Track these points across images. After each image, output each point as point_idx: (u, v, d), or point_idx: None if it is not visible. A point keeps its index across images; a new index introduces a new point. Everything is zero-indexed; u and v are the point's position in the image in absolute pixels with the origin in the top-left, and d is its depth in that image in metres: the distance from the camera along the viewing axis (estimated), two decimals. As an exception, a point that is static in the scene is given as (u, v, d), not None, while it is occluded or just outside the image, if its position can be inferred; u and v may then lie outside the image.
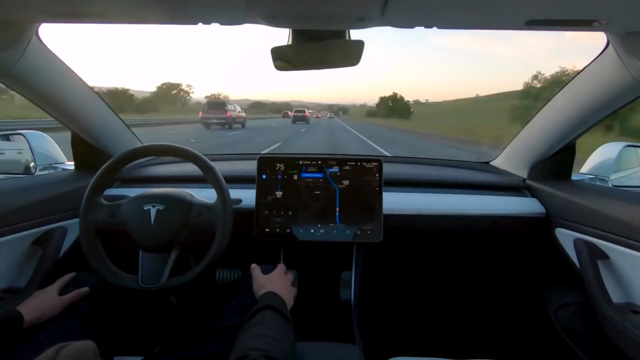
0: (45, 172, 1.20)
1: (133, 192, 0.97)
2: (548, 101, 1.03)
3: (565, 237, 0.98)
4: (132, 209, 0.84)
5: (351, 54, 0.76)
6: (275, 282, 0.76)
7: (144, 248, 0.83)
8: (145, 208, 0.83)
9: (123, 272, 0.82)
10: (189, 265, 0.85)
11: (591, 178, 1.20)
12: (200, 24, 0.65)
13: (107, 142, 1.12)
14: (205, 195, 0.90)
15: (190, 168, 0.91)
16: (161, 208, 0.83)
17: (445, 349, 0.76)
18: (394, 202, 1.05)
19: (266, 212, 0.99)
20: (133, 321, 0.92)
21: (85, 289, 0.78)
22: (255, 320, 0.62)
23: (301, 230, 0.99)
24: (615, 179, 1.20)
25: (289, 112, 31.44)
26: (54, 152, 1.28)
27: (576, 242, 0.93)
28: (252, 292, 0.77)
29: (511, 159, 1.25)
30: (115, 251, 0.85)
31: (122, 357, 0.74)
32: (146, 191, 0.88)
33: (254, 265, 0.83)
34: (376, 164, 0.99)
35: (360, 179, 0.99)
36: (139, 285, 0.80)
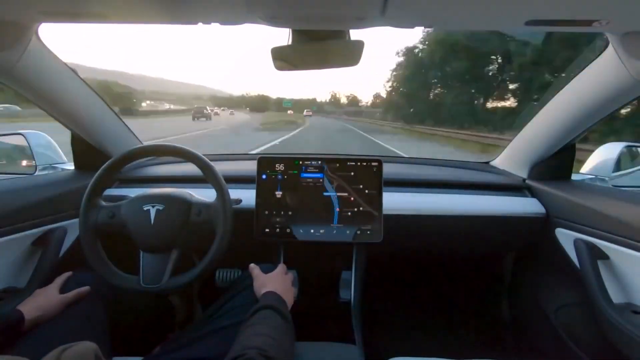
0: (45, 172, 1.20)
1: (133, 192, 0.97)
2: (548, 101, 1.03)
3: (565, 237, 0.98)
4: (131, 209, 0.84)
5: (351, 54, 0.76)
6: (276, 282, 0.76)
7: (144, 248, 0.83)
8: (145, 208, 0.82)
9: (124, 273, 0.82)
10: (191, 264, 0.85)
11: (591, 178, 1.20)
12: (200, 24, 0.65)
13: (107, 142, 1.12)
14: (206, 195, 0.90)
15: (190, 168, 0.91)
16: (160, 208, 0.83)
17: (445, 349, 0.76)
18: (394, 202, 1.05)
19: (266, 212, 0.99)
20: (133, 321, 0.92)
21: (86, 288, 0.78)
22: (255, 320, 0.62)
23: (301, 230, 0.99)
24: (615, 179, 1.21)
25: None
26: (54, 152, 1.28)
27: (576, 242, 0.93)
28: (252, 291, 0.76)
29: (511, 159, 1.25)
30: (115, 252, 0.85)
31: (122, 357, 0.74)
32: (145, 191, 0.88)
33: (252, 265, 0.83)
34: (376, 164, 0.99)
35: (360, 179, 0.99)
36: (140, 286, 0.80)
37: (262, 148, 9.30)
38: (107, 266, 0.82)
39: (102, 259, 0.82)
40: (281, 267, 0.83)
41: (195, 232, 0.85)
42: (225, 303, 0.79)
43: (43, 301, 0.73)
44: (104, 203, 0.86)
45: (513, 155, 1.24)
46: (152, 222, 0.82)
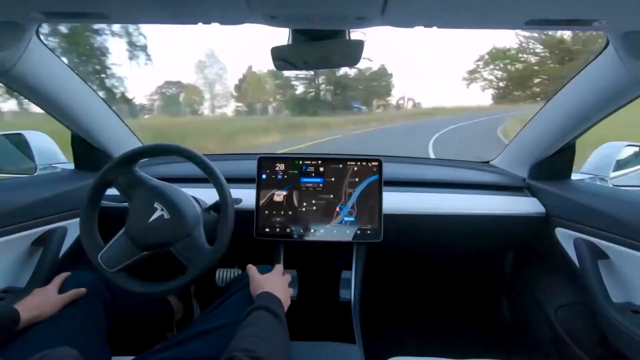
0: (45, 172, 1.20)
1: None
2: (548, 101, 1.03)
3: (565, 237, 0.98)
4: (144, 196, 0.82)
5: (351, 54, 0.77)
6: (272, 283, 0.76)
7: (126, 232, 0.81)
8: (155, 206, 0.81)
9: (101, 243, 0.81)
10: (172, 271, 0.84)
11: (591, 178, 1.20)
12: (200, 24, 0.66)
13: (107, 142, 1.12)
14: (206, 195, 0.90)
15: (192, 168, 0.91)
16: (167, 217, 0.80)
17: (445, 349, 0.76)
18: (394, 202, 1.05)
19: (266, 212, 1.00)
20: (131, 321, 0.92)
21: (84, 289, 0.78)
22: (247, 322, 0.62)
23: (301, 230, 0.99)
24: (615, 178, 1.20)
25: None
26: (54, 152, 1.28)
27: (576, 241, 0.93)
28: (248, 291, 0.77)
29: (511, 158, 1.25)
30: (107, 230, 0.84)
31: (120, 357, 0.74)
32: (167, 188, 0.85)
33: (249, 266, 0.83)
34: (376, 163, 0.99)
35: (360, 178, 0.99)
36: (96, 259, 0.78)
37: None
38: (91, 232, 0.81)
39: (93, 225, 0.82)
40: (278, 268, 0.83)
41: (178, 251, 0.81)
42: (222, 302, 0.79)
43: (41, 301, 0.73)
44: (121, 179, 0.84)
45: (513, 155, 1.24)
46: (150, 221, 0.80)
